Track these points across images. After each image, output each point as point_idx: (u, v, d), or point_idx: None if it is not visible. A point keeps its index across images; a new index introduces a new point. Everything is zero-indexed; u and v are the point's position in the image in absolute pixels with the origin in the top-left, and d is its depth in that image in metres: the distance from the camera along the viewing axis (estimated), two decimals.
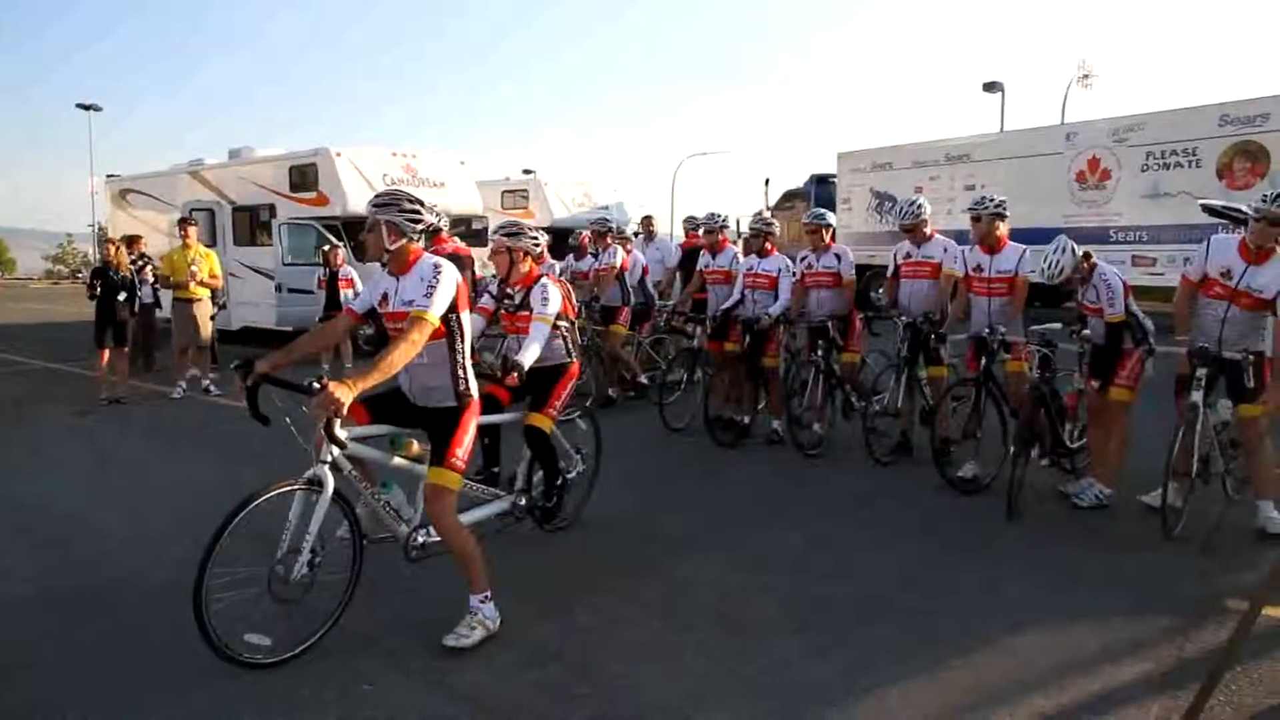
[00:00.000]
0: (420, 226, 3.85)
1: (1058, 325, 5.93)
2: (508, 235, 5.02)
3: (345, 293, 10.64)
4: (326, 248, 11.46)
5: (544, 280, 4.97)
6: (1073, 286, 5.77)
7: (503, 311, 5.17)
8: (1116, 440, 5.64)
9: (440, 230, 10.05)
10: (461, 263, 9.56)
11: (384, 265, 3.92)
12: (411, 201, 3.85)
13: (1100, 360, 5.69)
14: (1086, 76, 31.64)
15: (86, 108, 38.06)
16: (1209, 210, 10.38)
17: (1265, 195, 5.00)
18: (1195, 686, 3.17)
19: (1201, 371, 4.99)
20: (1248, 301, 5.04)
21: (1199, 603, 4.22)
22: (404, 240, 3.82)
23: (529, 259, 5.04)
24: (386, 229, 3.80)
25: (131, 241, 12.43)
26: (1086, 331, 5.72)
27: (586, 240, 9.99)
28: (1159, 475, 5.13)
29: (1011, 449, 5.61)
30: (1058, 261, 5.56)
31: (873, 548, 5.07)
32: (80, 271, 45.64)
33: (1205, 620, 4.00)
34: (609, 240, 9.64)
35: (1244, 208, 5.42)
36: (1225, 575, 4.59)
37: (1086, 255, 5.67)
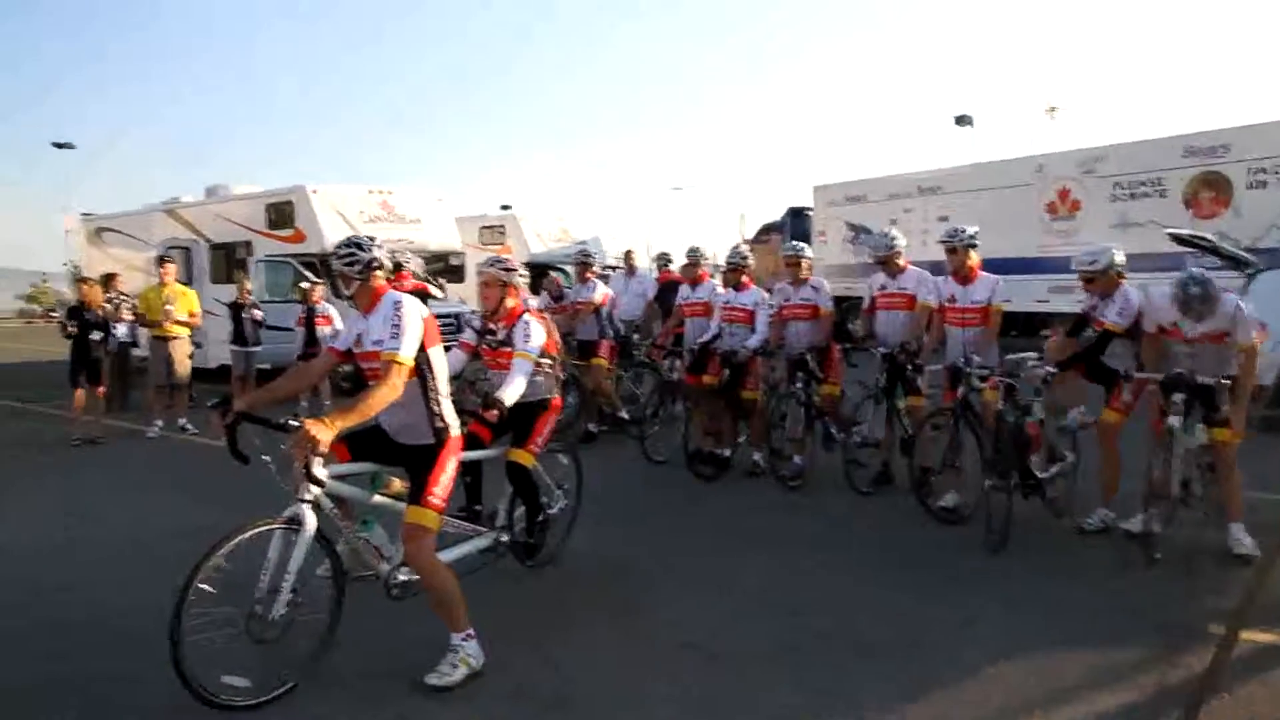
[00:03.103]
0: (357, 268, 3.87)
1: (1033, 354, 5.99)
2: (504, 270, 5.04)
3: (323, 330, 10.60)
4: (305, 285, 11.43)
5: (527, 317, 4.97)
6: (1093, 293, 5.79)
7: (484, 347, 5.16)
8: (1107, 462, 5.74)
9: (401, 267, 10.06)
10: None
11: (354, 307, 4.01)
12: (347, 246, 3.93)
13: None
14: (1054, 109, 32.32)
15: (61, 146, 37.95)
16: (1176, 239, 10.56)
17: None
18: (1178, 714, 3.19)
19: (1177, 397, 5.06)
20: (1207, 340, 5.19)
21: (1181, 628, 4.24)
22: (357, 283, 3.89)
23: (516, 294, 5.07)
24: (341, 277, 3.93)
25: (109, 280, 12.36)
26: (1051, 369, 5.75)
27: (559, 282, 10.10)
28: (1137, 502, 5.18)
29: (987, 481, 5.63)
30: (1096, 255, 5.66)
31: (855, 579, 5.06)
32: (54, 310, 45.19)
33: (1187, 645, 4.02)
34: (590, 275, 9.67)
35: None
36: (1207, 599, 4.61)
37: (1120, 273, 5.74)
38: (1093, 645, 4.09)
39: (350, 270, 3.87)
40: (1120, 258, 5.71)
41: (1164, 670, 3.82)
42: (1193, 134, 14.08)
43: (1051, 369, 5.67)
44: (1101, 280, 5.71)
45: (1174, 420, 5.03)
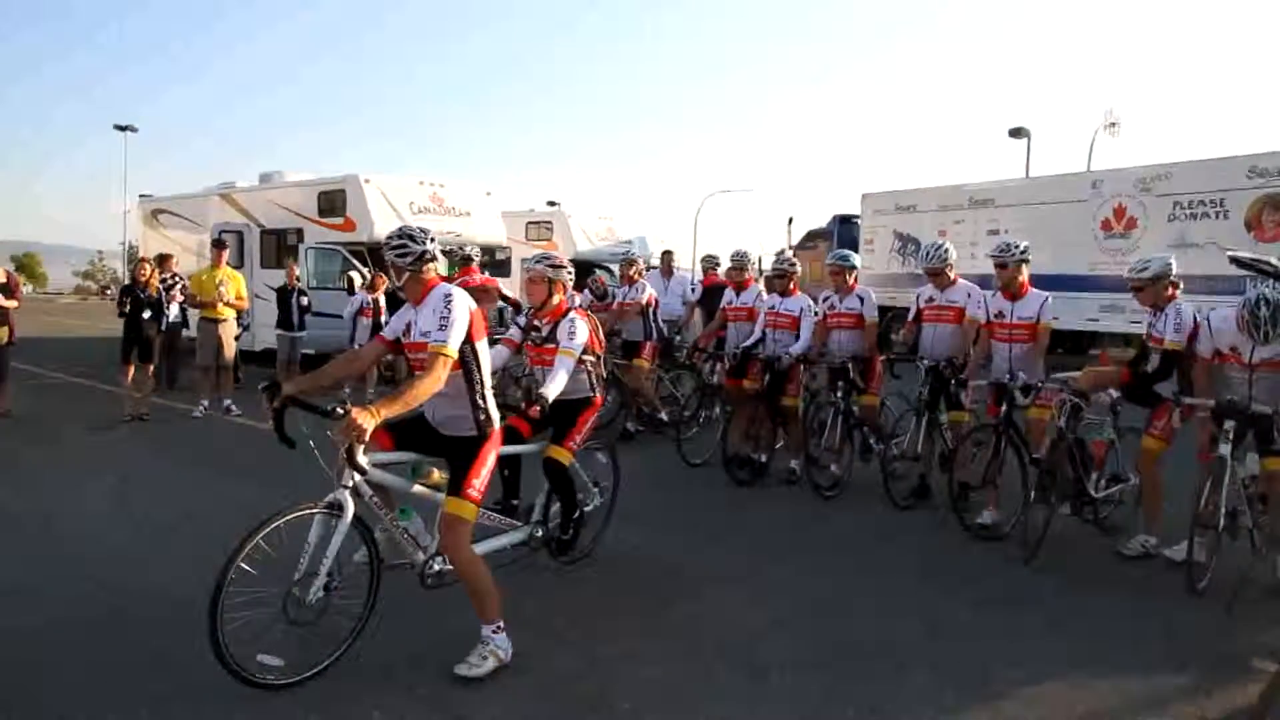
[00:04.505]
0: (409, 259, 3.88)
1: (1077, 374, 5.89)
2: (552, 267, 5.07)
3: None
4: (367, 273, 11.58)
5: (572, 314, 5.00)
6: (1143, 302, 5.68)
7: (528, 343, 5.19)
8: (1149, 488, 5.63)
9: (471, 260, 10.19)
10: (489, 294, 9.68)
11: (403, 299, 4.05)
12: (400, 238, 3.92)
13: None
14: (1114, 124, 31.62)
15: (123, 128, 38.80)
16: (1236, 262, 10.32)
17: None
18: None
19: (1229, 424, 4.93)
20: (1268, 368, 5.04)
21: (1222, 659, 4.15)
22: (408, 275, 3.91)
23: (562, 291, 5.10)
24: (392, 268, 3.95)
25: (163, 261, 12.63)
26: (1114, 393, 5.64)
27: (604, 281, 10.19)
28: (1183, 529, 5.07)
29: (1031, 495, 5.56)
30: (1149, 261, 5.58)
31: (890, 591, 5.02)
32: (109, 288, 46.26)
33: (1229, 678, 3.93)
34: (637, 275, 9.69)
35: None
36: (1250, 632, 4.50)
37: (1175, 284, 5.62)
38: (1131, 672, 4.02)
39: (402, 261, 3.90)
40: (1174, 268, 5.57)
41: (1202, 702, 3.73)
42: (1259, 154, 13.73)
43: (1115, 393, 5.54)
44: (1151, 290, 5.58)
45: (1224, 449, 4.92)
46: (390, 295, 11.18)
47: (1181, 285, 5.73)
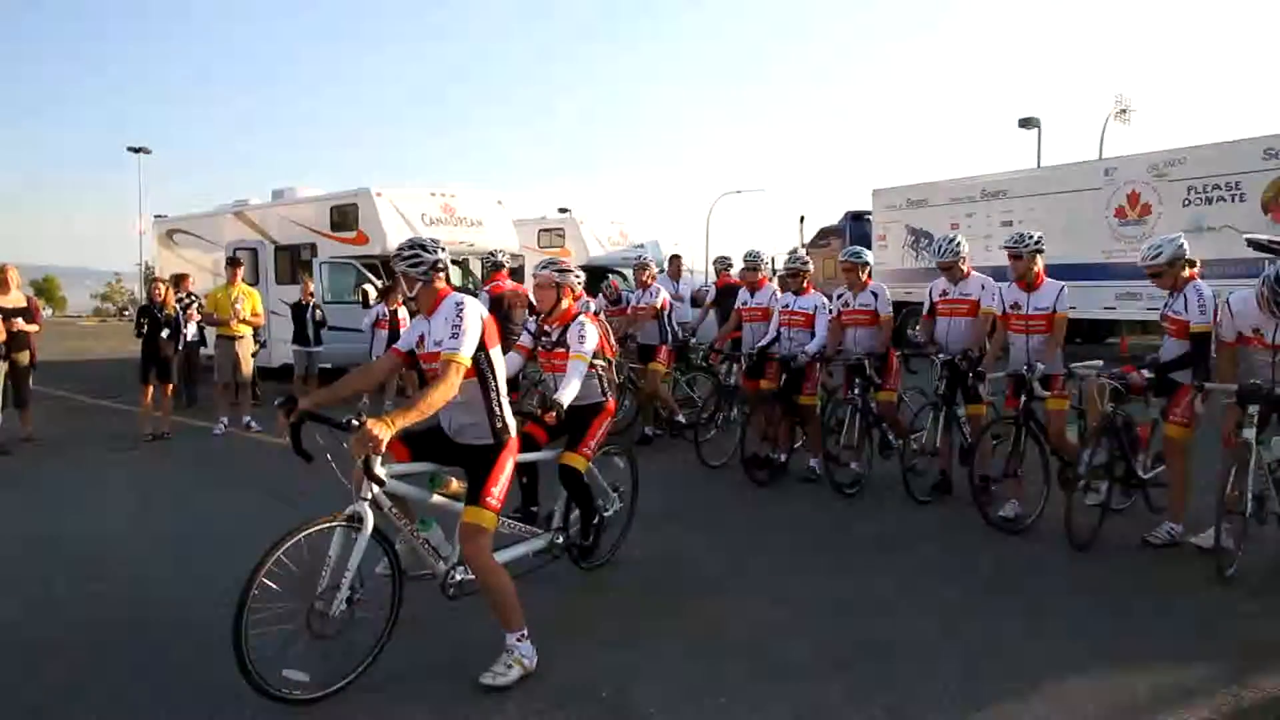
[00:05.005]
0: (421, 269, 3.91)
1: (1098, 363, 5.83)
2: (559, 271, 5.09)
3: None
4: (369, 288, 11.62)
5: (581, 318, 5.01)
6: (1162, 286, 5.58)
7: (539, 349, 5.20)
8: (1175, 478, 5.56)
9: (501, 266, 10.19)
10: (519, 298, 9.69)
11: (413, 311, 4.06)
12: (411, 248, 3.94)
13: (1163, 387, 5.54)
14: (1124, 111, 31.39)
15: (137, 150, 39.14)
16: (1254, 244, 10.22)
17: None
18: None
19: (1253, 409, 4.87)
20: None
21: (1255, 647, 4.08)
22: (420, 285, 3.92)
23: (571, 295, 5.11)
24: (404, 278, 3.95)
25: (179, 280, 12.72)
26: (1149, 374, 5.55)
27: (617, 286, 10.21)
28: (1210, 516, 5.02)
29: (1057, 485, 5.51)
30: (1160, 246, 5.48)
31: (913, 588, 4.98)
32: (127, 309, 46.68)
33: (1263, 666, 3.87)
34: (650, 279, 9.70)
35: None
36: None
37: (1191, 262, 5.54)
38: (1162, 663, 3.97)
39: (414, 272, 3.92)
40: (1187, 248, 5.48)
41: (1238, 692, 3.67)
42: (1275, 135, 13.58)
43: (1149, 374, 5.44)
44: (1170, 274, 5.50)
45: (1248, 434, 4.86)
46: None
47: (1199, 264, 5.62)
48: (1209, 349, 5.39)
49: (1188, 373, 5.40)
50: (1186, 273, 5.52)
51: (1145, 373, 5.41)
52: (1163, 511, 5.70)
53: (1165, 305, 5.62)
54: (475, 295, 5.55)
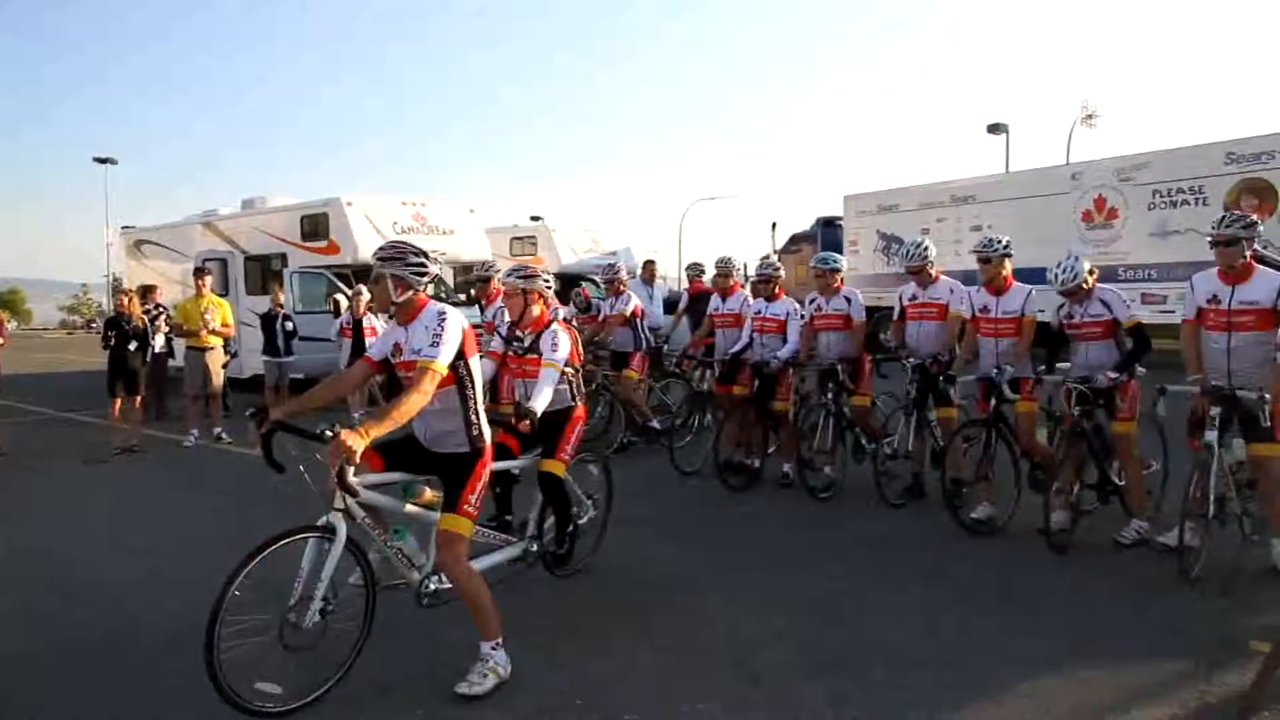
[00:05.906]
0: (426, 279, 3.89)
1: (1066, 365, 5.91)
2: (522, 278, 5.08)
3: (371, 340, 10.67)
4: (350, 294, 11.54)
5: (554, 326, 5.01)
6: (1077, 300, 5.76)
7: (510, 354, 5.20)
8: (1132, 473, 5.68)
9: (491, 278, 10.10)
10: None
11: (391, 316, 3.99)
12: (417, 255, 3.90)
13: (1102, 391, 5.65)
14: (1091, 116, 31.89)
15: (103, 161, 38.71)
16: (1261, 260, 10.43)
17: (1213, 223, 5.17)
18: None
19: (1215, 410, 4.95)
20: (1246, 321, 5.07)
21: (1220, 644, 4.15)
22: (410, 292, 3.87)
23: (541, 301, 5.11)
24: (393, 282, 3.85)
25: (147, 291, 12.57)
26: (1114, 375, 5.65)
27: (587, 294, 10.23)
28: (1175, 516, 5.10)
29: (1026, 488, 5.58)
30: (1071, 267, 5.65)
31: (888, 592, 5.02)
32: (94, 321, 46.06)
33: (1227, 662, 3.94)
34: (622, 288, 9.70)
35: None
36: (1246, 616, 4.52)
37: (1091, 271, 5.74)
38: (1130, 662, 4.03)
39: (417, 279, 3.87)
40: (1085, 262, 5.74)
41: (1203, 688, 3.74)
42: (1235, 140, 13.85)
43: (1114, 375, 5.53)
44: (1084, 291, 5.72)
45: (1210, 435, 4.93)
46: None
47: (1097, 271, 5.89)
48: (1148, 337, 5.72)
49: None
50: (1090, 280, 5.71)
51: (1111, 374, 5.50)
52: (1137, 516, 5.76)
53: (1078, 314, 5.79)
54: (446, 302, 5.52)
